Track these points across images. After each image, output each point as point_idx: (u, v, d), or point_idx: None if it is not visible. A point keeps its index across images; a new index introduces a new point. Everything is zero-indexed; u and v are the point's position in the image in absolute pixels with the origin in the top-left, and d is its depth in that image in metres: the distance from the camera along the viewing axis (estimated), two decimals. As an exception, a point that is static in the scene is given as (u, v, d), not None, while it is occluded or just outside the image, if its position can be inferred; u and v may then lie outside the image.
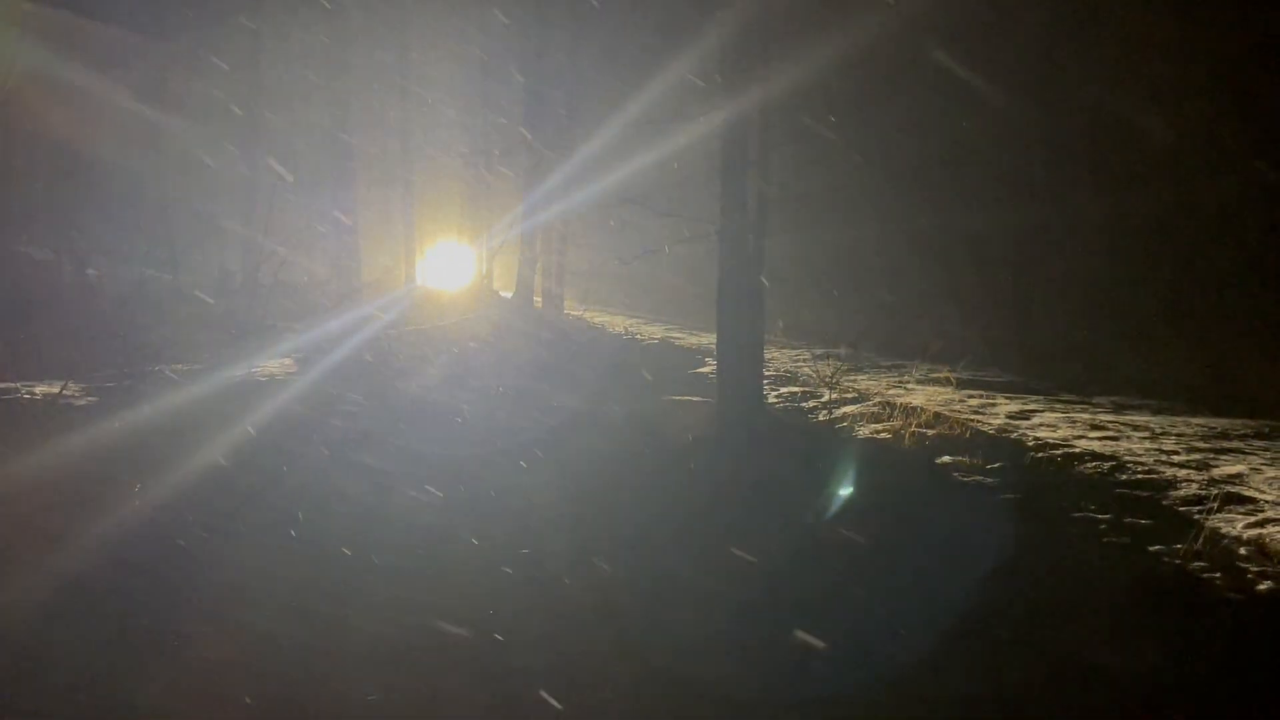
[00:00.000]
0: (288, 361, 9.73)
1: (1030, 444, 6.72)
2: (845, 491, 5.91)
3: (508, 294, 16.64)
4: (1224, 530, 4.69)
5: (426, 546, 4.90)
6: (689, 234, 7.72)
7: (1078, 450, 6.44)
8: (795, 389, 9.35)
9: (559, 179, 15.24)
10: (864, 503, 5.72)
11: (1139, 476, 5.76)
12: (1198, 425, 7.85)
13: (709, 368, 10.67)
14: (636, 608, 4.31)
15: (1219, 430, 7.58)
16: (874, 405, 8.13)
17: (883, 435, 7.27)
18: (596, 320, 16.81)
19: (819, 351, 11.18)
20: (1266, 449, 6.79)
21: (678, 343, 13.71)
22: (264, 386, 8.34)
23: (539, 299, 16.22)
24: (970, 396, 9.28)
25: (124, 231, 15.40)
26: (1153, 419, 8.22)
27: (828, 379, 8.80)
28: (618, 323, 16.82)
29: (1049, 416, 8.18)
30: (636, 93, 14.48)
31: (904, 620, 4.00)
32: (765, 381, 8.34)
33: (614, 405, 8.47)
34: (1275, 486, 5.56)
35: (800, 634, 3.85)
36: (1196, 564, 4.36)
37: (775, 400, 8.79)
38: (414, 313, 13.88)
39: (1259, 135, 10.24)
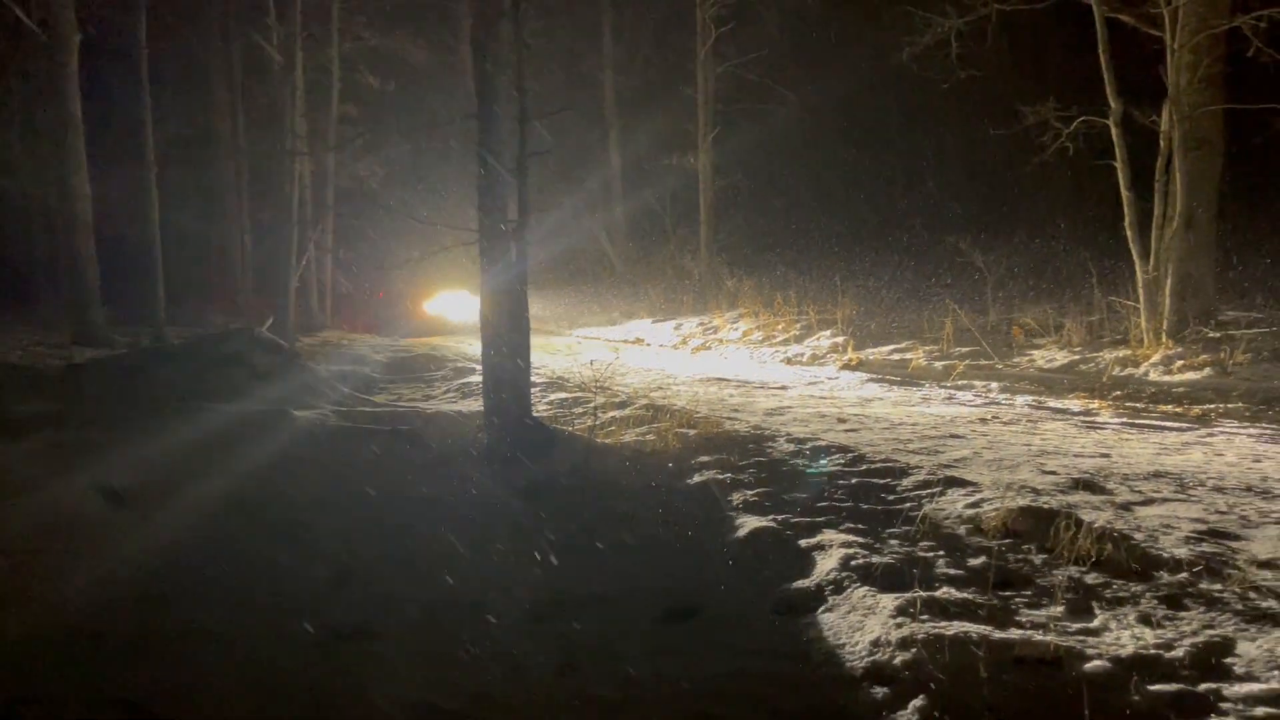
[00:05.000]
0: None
1: (783, 439, 7.07)
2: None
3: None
4: (945, 511, 5.10)
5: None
6: (450, 243, 7.62)
7: (824, 444, 6.83)
8: (565, 394, 9.42)
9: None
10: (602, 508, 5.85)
11: (877, 465, 6.17)
12: (932, 416, 8.52)
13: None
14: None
15: (948, 418, 8.26)
16: (639, 409, 8.31)
17: (649, 439, 7.44)
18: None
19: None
20: (985, 434, 7.46)
21: (447, 351, 13.53)
22: None
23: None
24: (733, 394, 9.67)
25: None
26: (892, 411, 8.86)
27: (599, 382, 8.93)
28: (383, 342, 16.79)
29: (800, 412, 8.65)
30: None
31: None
32: (538, 387, 8.37)
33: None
34: (994, 469, 6.11)
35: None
36: (924, 543, 4.72)
37: (547, 408, 8.83)
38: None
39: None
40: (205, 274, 24.46)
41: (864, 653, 3.65)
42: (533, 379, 8.10)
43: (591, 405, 8.58)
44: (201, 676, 3.75)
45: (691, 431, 7.44)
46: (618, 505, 5.95)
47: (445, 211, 20.57)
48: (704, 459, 6.66)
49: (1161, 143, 11.63)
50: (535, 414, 7.88)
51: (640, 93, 25.42)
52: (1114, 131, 11.79)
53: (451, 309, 21.20)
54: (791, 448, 6.78)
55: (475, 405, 8.57)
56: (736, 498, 5.79)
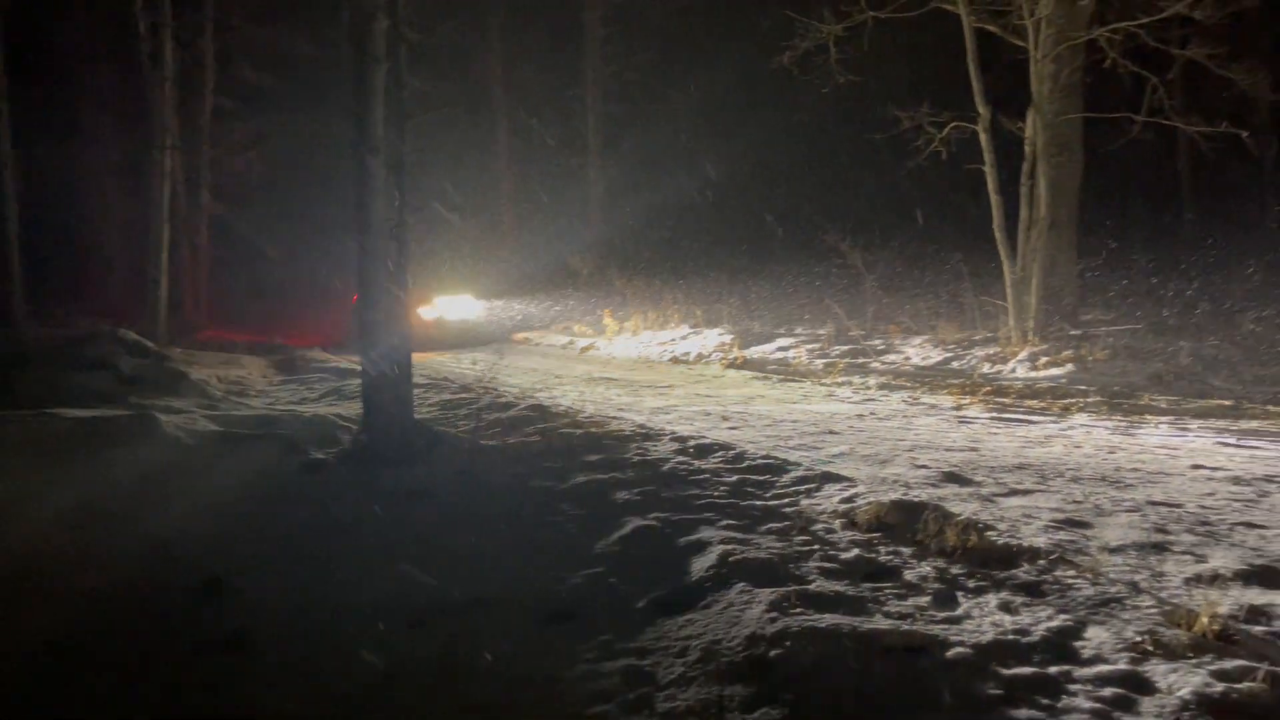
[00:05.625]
0: None
1: (667, 438, 7.13)
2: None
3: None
4: (821, 506, 5.22)
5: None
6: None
7: (707, 442, 6.91)
8: (449, 396, 9.30)
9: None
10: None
11: (757, 463, 6.28)
12: (811, 413, 8.72)
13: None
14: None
15: (827, 415, 8.47)
16: (524, 409, 8.27)
17: (533, 440, 7.40)
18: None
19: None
20: (861, 429, 7.67)
21: (331, 363, 13.24)
22: None
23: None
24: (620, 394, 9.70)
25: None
26: (774, 408, 9.03)
27: (483, 383, 8.84)
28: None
29: (685, 411, 8.73)
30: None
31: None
32: (421, 388, 8.23)
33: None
34: (869, 464, 6.29)
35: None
36: (799, 538, 4.82)
37: (430, 410, 8.70)
38: None
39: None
40: (75, 274, 23.22)
41: (740, 647, 3.70)
42: (416, 380, 7.97)
43: (475, 406, 8.49)
44: (62, 691, 3.57)
45: (577, 431, 7.43)
46: (501, 507, 5.90)
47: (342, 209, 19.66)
48: (589, 459, 6.66)
49: (1027, 148, 12.17)
50: (418, 416, 7.76)
51: (532, 94, 25.26)
52: (982, 137, 12.28)
53: (454, 314, 19.17)
54: (675, 446, 6.83)
55: (356, 408, 8.38)
56: (620, 497, 5.80)
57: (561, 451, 6.94)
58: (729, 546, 4.70)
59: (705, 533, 4.99)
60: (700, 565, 4.59)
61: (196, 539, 5.38)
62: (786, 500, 5.38)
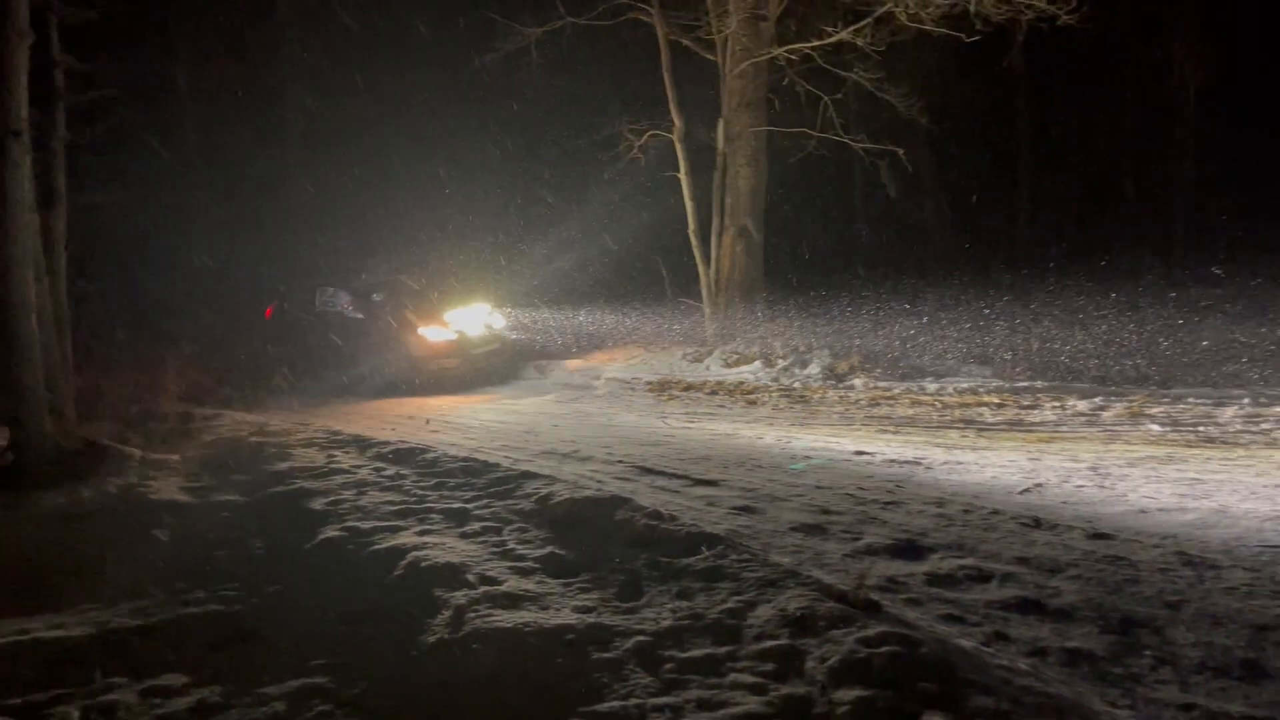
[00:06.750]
0: None
1: (374, 444, 6.90)
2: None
3: None
4: (519, 505, 5.25)
5: None
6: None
7: (411, 445, 6.76)
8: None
9: None
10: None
11: (458, 465, 6.20)
12: (516, 413, 8.76)
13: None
14: None
15: (532, 413, 8.54)
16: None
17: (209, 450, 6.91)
18: None
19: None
20: (561, 429, 7.80)
21: None
22: None
23: None
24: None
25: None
26: (482, 414, 8.98)
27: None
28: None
29: (389, 416, 8.49)
30: None
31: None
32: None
33: None
34: (570, 464, 6.40)
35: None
36: (495, 539, 4.81)
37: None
38: None
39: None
40: None
41: (427, 649, 3.64)
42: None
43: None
44: None
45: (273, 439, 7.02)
46: (174, 524, 5.45)
47: None
48: (283, 467, 6.31)
49: (718, 159, 12.90)
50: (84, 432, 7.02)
51: (225, 92, 23.35)
52: (677, 146, 12.88)
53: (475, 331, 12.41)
54: (374, 451, 6.63)
55: None
56: (317, 504, 5.54)
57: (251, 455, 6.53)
58: (423, 553, 4.60)
59: (403, 538, 4.87)
60: (394, 568, 4.47)
61: None
62: (482, 502, 5.36)
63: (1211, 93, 17.93)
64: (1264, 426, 7.25)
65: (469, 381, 11.26)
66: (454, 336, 11.15)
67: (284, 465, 6.36)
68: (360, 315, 11.40)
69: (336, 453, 6.62)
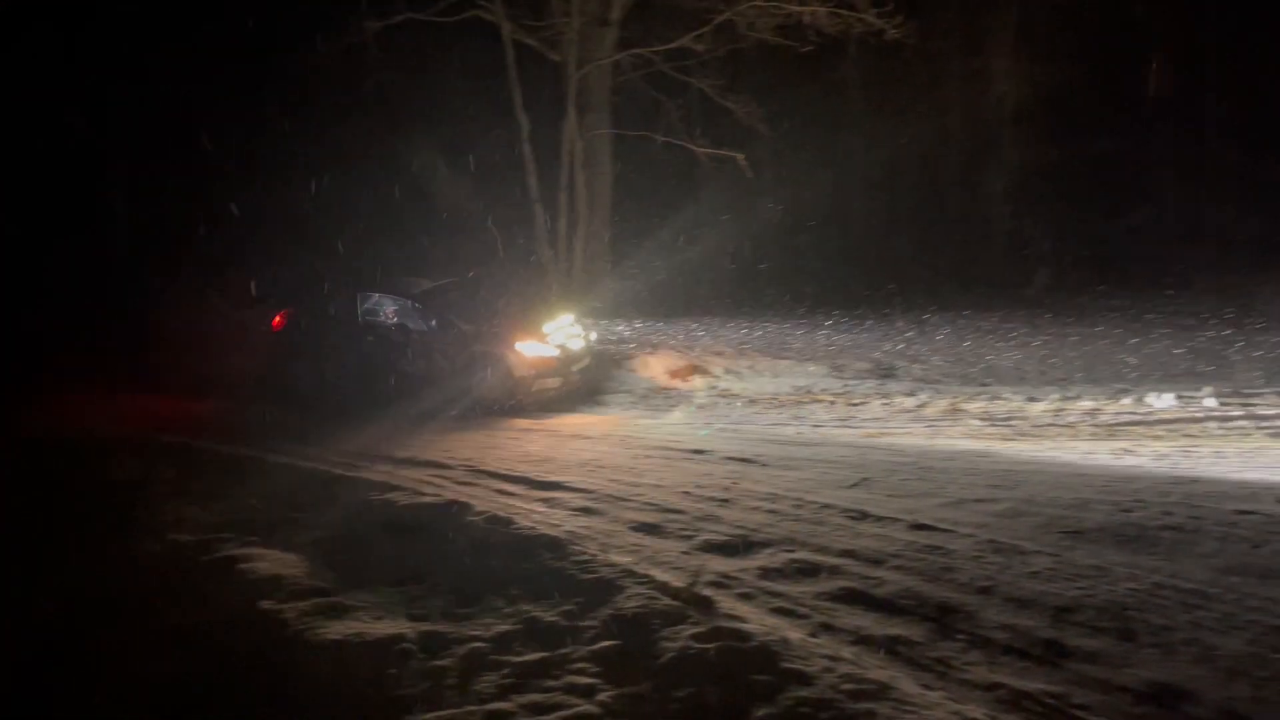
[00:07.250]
0: None
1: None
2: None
3: None
4: (365, 517, 5.14)
5: None
6: None
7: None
8: None
9: None
10: None
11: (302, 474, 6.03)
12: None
13: None
14: None
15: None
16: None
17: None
18: None
19: None
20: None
21: None
22: None
23: None
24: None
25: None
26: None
27: None
28: None
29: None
30: None
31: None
32: None
33: None
34: (414, 468, 6.29)
35: None
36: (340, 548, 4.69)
37: None
38: None
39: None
40: None
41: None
42: None
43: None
44: None
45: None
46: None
47: None
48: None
49: (565, 160, 12.90)
50: None
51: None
52: (525, 147, 12.82)
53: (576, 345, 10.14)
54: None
55: None
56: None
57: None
58: (253, 564, 4.45)
59: (229, 549, 4.69)
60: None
61: None
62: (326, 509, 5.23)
63: (1029, 112, 18.96)
64: (1069, 420, 7.79)
65: (569, 402, 9.70)
66: (556, 352, 9.41)
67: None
68: (426, 327, 9.47)
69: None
